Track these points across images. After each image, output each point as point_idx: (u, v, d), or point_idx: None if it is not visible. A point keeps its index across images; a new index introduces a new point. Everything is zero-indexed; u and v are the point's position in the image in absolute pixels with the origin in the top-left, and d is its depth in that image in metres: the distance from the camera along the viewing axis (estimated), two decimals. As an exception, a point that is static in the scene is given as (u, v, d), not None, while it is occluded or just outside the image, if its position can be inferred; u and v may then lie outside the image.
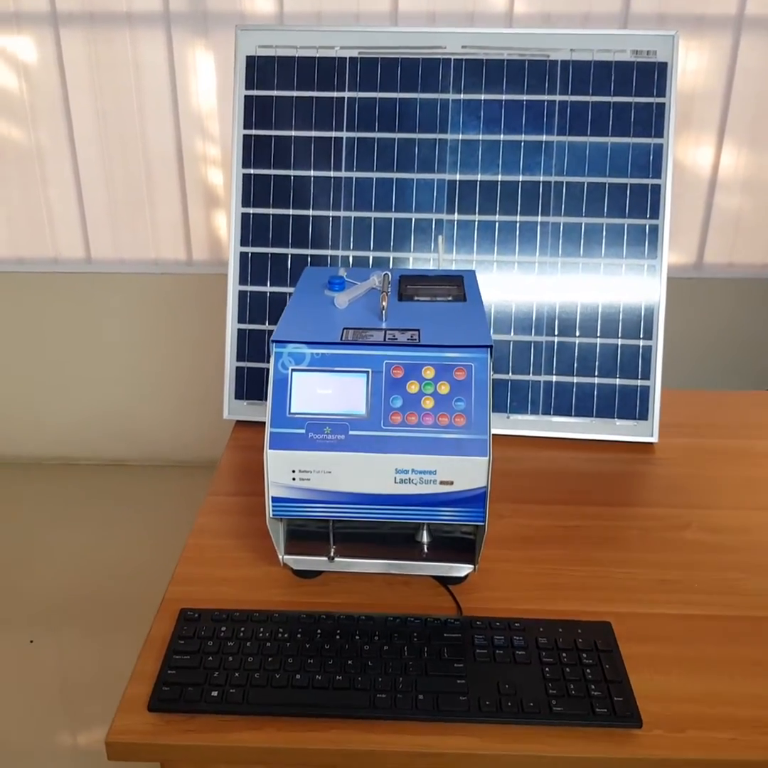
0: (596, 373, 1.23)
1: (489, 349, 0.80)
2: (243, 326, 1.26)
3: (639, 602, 0.90)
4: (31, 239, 2.33)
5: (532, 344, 1.23)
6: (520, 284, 1.23)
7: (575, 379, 1.23)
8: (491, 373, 0.81)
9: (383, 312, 0.85)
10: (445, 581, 0.92)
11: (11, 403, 2.50)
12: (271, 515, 0.82)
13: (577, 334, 1.23)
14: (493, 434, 1.23)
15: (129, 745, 0.73)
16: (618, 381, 1.22)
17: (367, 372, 0.80)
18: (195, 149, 2.20)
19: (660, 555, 0.98)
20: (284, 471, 0.80)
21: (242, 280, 1.26)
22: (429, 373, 0.80)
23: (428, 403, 0.79)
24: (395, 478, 0.80)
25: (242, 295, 1.26)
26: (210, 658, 0.80)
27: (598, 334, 1.22)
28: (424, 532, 0.89)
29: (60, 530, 2.33)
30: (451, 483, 0.80)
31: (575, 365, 1.23)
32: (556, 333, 1.23)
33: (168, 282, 2.30)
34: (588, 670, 0.79)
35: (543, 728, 0.74)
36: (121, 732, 0.74)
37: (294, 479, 0.80)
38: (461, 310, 0.90)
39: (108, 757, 0.74)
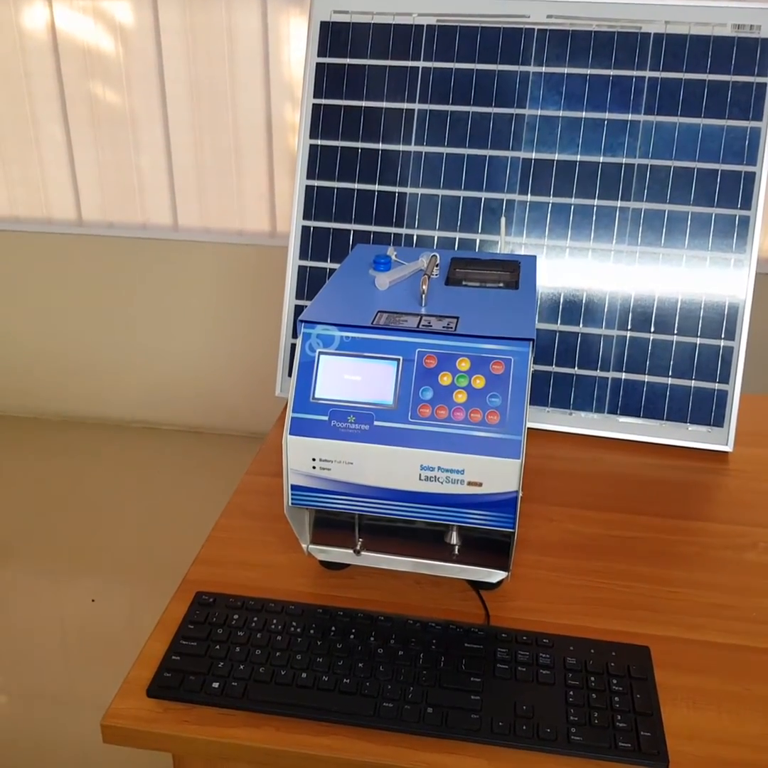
0: (670, 373, 1.14)
1: (531, 343, 0.74)
2: (301, 302, 1.22)
3: (685, 626, 0.83)
4: (122, 204, 2.36)
5: (602, 338, 1.15)
6: (593, 273, 1.15)
7: (646, 378, 1.14)
8: (531, 368, 0.75)
9: (423, 296, 0.80)
10: (477, 586, 0.87)
11: (98, 365, 2.55)
12: (289, 504, 0.79)
13: (652, 329, 1.14)
14: (553, 430, 1.16)
15: (124, 730, 0.71)
16: (693, 383, 1.13)
17: (398, 360, 0.75)
18: (284, 119, 2.17)
19: (717, 576, 0.90)
20: (304, 459, 0.76)
21: (302, 254, 1.22)
22: (464, 364, 0.74)
23: (461, 397, 0.74)
24: (420, 475, 0.74)
25: (302, 270, 1.22)
26: (217, 646, 0.77)
27: (675, 331, 1.13)
28: (453, 534, 0.84)
29: (134, 492, 2.37)
30: (480, 484, 0.74)
31: (647, 363, 1.14)
32: (628, 327, 1.14)
33: (252, 253, 2.29)
34: (616, 698, 0.72)
35: (557, 757, 0.68)
36: (116, 716, 0.72)
37: (314, 468, 0.76)
38: (510, 299, 0.83)
39: (103, 740, 0.72)
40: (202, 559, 0.92)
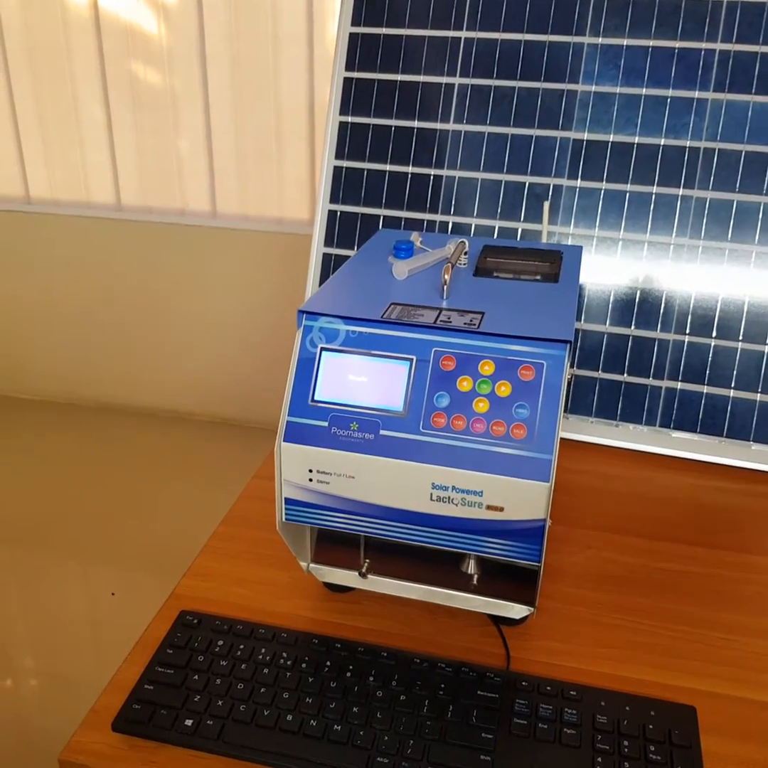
0: (732, 384, 1.01)
1: (567, 346, 0.63)
2: (324, 293, 1.12)
3: (739, 682, 0.71)
4: (161, 189, 2.29)
5: (657, 342, 1.03)
6: (649, 269, 1.03)
7: (705, 389, 1.02)
8: (567, 375, 0.64)
9: (444, 287, 0.69)
10: (499, 620, 0.76)
11: (133, 352, 2.50)
12: (283, 519, 0.69)
13: (714, 334, 1.01)
14: (596, 443, 1.05)
15: (81, 769, 0.63)
16: (759, 396, 1.00)
17: (411, 360, 0.65)
18: (327, 102, 2.08)
19: (780, 623, 0.78)
20: (300, 469, 0.66)
21: (328, 241, 1.12)
22: (487, 368, 0.64)
23: (482, 405, 0.63)
24: (432, 495, 0.64)
25: (326, 258, 1.12)
26: (196, 676, 0.68)
27: (741, 337, 1.01)
28: (471, 562, 0.73)
29: (164, 483, 2.31)
30: (501, 509, 0.63)
31: (707, 372, 1.02)
32: (687, 331, 1.02)
33: (290, 242, 2.21)
34: (653, 770, 0.61)
35: (579, 841, 0.57)
36: (76, 750, 0.63)
37: (311, 480, 0.66)
38: (547, 294, 0.72)
39: (59, 778, 0.64)
40: (195, 572, 0.83)
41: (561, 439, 1.05)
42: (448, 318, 0.66)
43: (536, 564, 0.64)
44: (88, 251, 2.39)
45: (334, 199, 1.12)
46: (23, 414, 2.65)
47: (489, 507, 0.63)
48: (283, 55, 2.07)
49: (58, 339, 2.55)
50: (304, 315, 0.67)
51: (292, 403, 0.66)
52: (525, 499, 0.62)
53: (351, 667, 0.69)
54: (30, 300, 2.51)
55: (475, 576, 0.74)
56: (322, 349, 0.66)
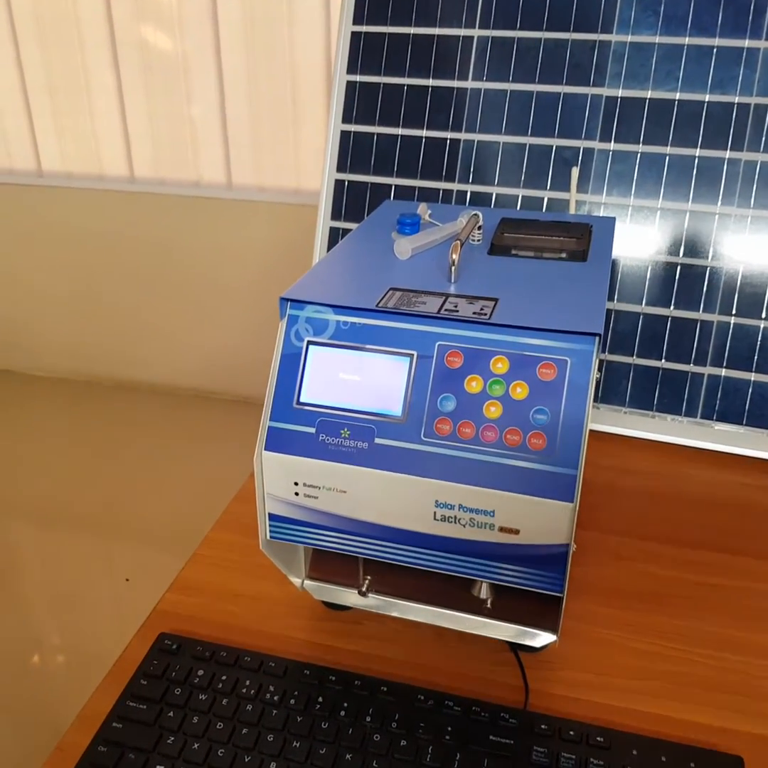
0: (784, 371, 0.90)
1: (596, 339, 0.53)
2: (332, 271, 1.03)
3: (796, 726, 0.61)
4: (174, 160, 2.20)
5: (699, 324, 0.92)
6: (690, 242, 0.92)
7: (753, 377, 0.91)
8: (595, 373, 0.54)
9: (452, 268, 0.60)
10: (517, 647, 0.67)
11: (148, 328, 2.43)
12: (267, 537, 0.60)
13: (764, 315, 0.91)
14: (630, 436, 0.95)
15: (35, 825, 0.55)
16: (814, 385, 0.90)
17: (411, 356, 0.55)
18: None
19: (841, 650, 0.68)
20: (284, 482, 0.57)
21: (335, 214, 1.03)
22: (501, 366, 0.54)
23: (494, 410, 0.54)
24: (435, 514, 0.55)
25: (333, 232, 1.03)
26: (171, 713, 0.60)
27: (794, 319, 0.90)
28: (482, 587, 0.64)
29: (180, 463, 2.25)
30: (516, 532, 0.54)
31: (755, 358, 0.91)
32: (733, 312, 0.91)
33: (308, 214, 2.11)
34: (694, 838, 0.52)
35: None
36: (31, 802, 0.56)
37: (297, 494, 0.58)
38: (573, 275, 0.62)
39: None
40: (180, 585, 0.75)
41: (590, 431, 0.96)
42: (455, 306, 0.56)
43: (558, 594, 0.55)
44: (102, 224, 2.32)
45: (341, 167, 1.02)
46: (36, 391, 2.60)
47: (502, 529, 0.54)
48: (298, 14, 1.95)
49: (72, 314, 2.49)
50: (288, 303, 0.58)
51: (275, 405, 0.57)
52: (544, 521, 0.53)
53: (346, 704, 0.60)
54: (42, 275, 2.45)
55: (490, 597, 0.65)
56: (309, 342, 0.57)
